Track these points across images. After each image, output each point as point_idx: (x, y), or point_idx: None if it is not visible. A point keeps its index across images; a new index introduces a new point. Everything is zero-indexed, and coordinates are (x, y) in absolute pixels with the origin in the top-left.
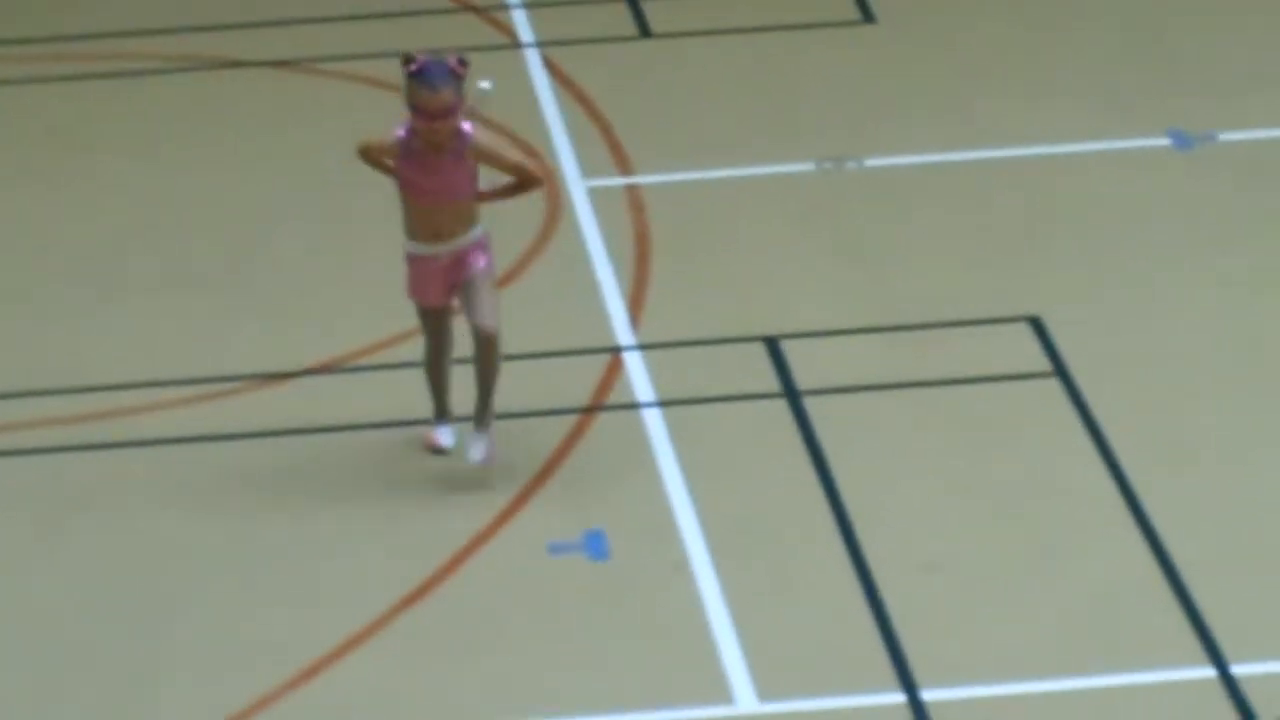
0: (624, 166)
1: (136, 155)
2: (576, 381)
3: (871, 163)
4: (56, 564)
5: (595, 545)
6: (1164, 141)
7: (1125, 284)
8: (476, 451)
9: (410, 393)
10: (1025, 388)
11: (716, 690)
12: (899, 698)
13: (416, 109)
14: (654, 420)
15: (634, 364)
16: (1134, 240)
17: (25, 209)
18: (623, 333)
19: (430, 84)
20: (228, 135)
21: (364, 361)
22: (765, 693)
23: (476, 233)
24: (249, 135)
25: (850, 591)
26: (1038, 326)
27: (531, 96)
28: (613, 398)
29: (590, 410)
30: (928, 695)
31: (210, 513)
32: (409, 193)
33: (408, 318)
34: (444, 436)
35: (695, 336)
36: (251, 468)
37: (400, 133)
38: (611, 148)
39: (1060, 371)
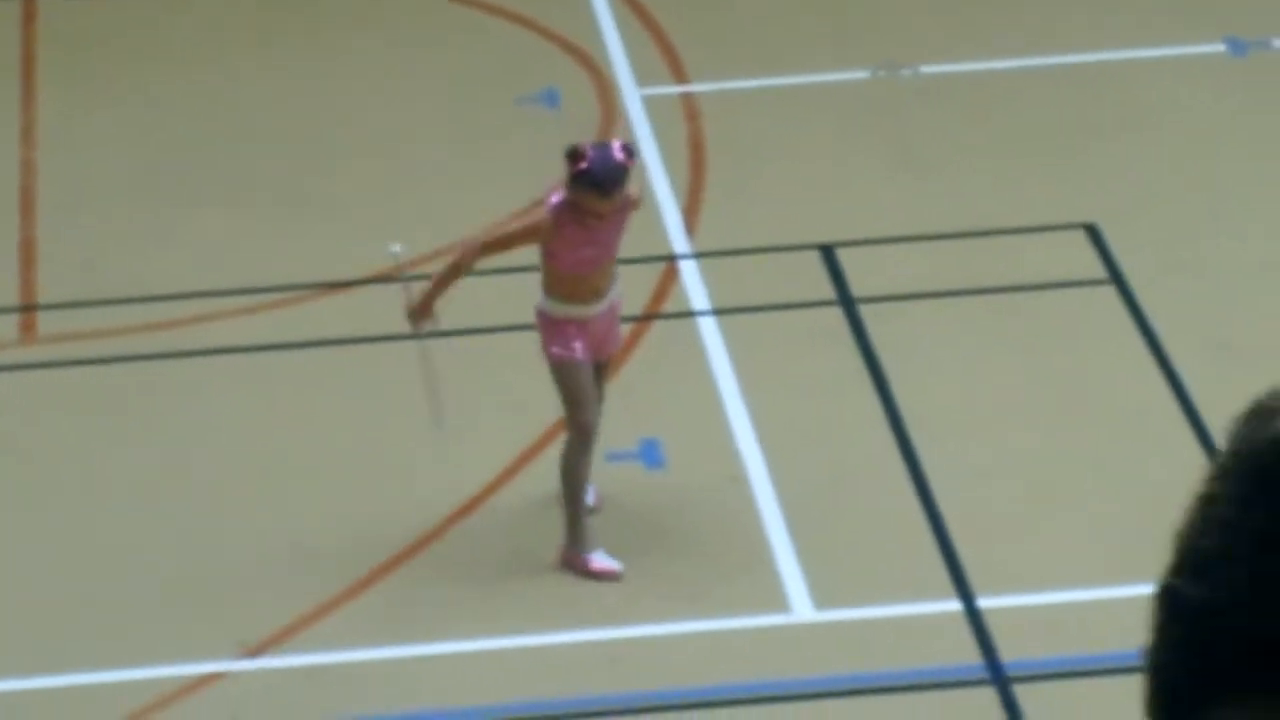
0: (679, 75)
1: (195, 67)
2: (632, 290)
3: (926, 70)
4: (113, 471)
5: (651, 454)
6: (1219, 48)
7: (1180, 191)
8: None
9: (470, 301)
10: (1081, 295)
11: (773, 599)
12: (955, 605)
13: (587, 210)
14: (709, 329)
15: (689, 272)
16: (1189, 147)
17: (84, 119)
18: (678, 241)
19: (605, 191)
20: (285, 45)
21: (425, 269)
22: (821, 601)
23: (617, 271)
24: (307, 46)
25: (906, 500)
26: (1094, 233)
27: (587, 5)
28: (668, 306)
29: (646, 319)
30: (984, 603)
31: (271, 420)
32: (571, 264)
33: (465, 227)
34: (608, 559)
35: (750, 245)
36: (313, 376)
37: (550, 209)
38: (666, 56)
39: (1116, 278)
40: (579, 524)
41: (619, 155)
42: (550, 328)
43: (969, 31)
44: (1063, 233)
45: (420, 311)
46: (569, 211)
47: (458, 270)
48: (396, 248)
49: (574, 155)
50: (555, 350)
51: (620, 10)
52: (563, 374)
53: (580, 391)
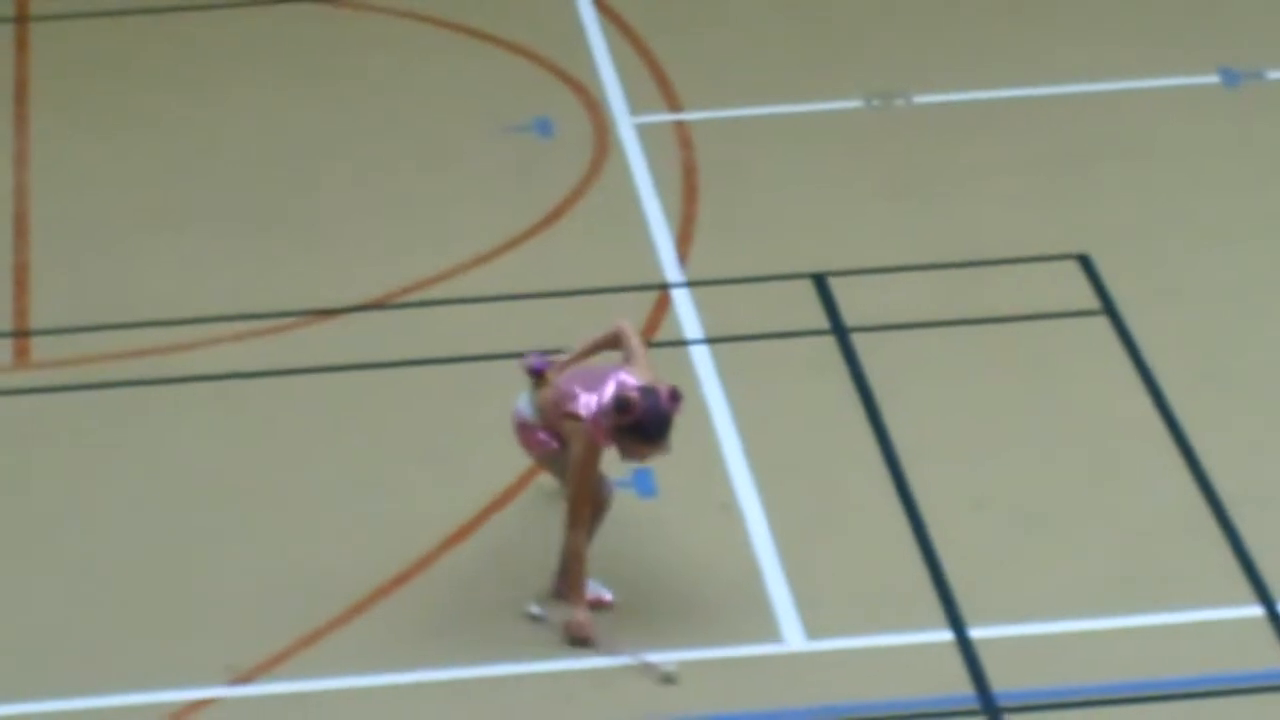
0: (672, 103)
1: (184, 90)
2: (624, 318)
3: (920, 99)
4: (104, 496)
5: (644, 482)
6: (1213, 79)
7: (1174, 221)
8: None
9: (460, 330)
10: (1073, 325)
11: (765, 628)
12: (947, 636)
13: (630, 453)
14: (702, 357)
15: (682, 301)
16: (1182, 178)
17: (74, 145)
18: (671, 269)
19: (654, 442)
20: (275, 70)
21: (414, 298)
22: (813, 631)
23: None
24: (296, 70)
25: (898, 529)
26: (1086, 264)
27: (580, 32)
28: (660, 335)
29: None
30: (976, 633)
31: (261, 448)
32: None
33: (457, 254)
34: (599, 588)
35: (743, 273)
36: (302, 403)
37: (596, 429)
38: (660, 84)
39: (1109, 309)
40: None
41: (667, 405)
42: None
43: (962, 61)
44: (1055, 262)
45: (581, 627)
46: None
47: (579, 561)
48: (535, 609)
49: (624, 407)
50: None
51: (614, 38)
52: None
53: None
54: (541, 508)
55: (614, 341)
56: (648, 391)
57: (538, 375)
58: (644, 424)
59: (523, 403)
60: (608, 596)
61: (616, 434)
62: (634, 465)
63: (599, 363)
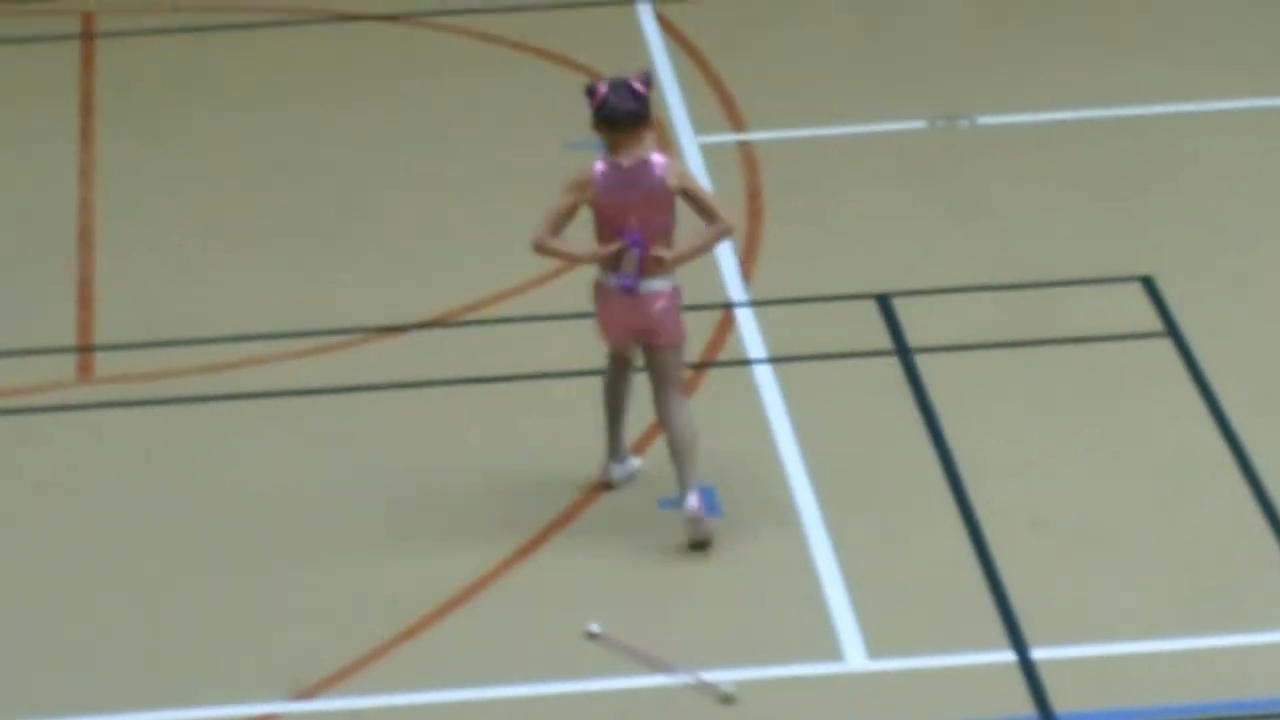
0: (736, 123)
1: (251, 108)
2: (689, 338)
3: (984, 120)
4: (172, 513)
5: (707, 501)
6: (1279, 101)
7: (1238, 244)
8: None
9: (521, 349)
10: (1137, 347)
11: (827, 648)
12: (1009, 656)
13: (611, 149)
14: (766, 377)
15: (746, 320)
16: (1247, 200)
17: (141, 161)
18: (735, 289)
19: (612, 122)
20: (341, 88)
21: (475, 316)
22: (875, 651)
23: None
24: (363, 89)
25: (961, 549)
26: (1150, 286)
27: (645, 52)
28: (725, 354)
29: (702, 366)
30: (1038, 654)
31: (322, 464)
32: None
33: (519, 273)
34: (620, 468)
35: (807, 293)
36: (364, 420)
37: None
38: (724, 104)
39: (1172, 331)
40: (608, 435)
41: (637, 86)
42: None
43: (1026, 83)
44: (1119, 285)
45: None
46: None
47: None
48: (595, 627)
49: (590, 92)
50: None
51: (678, 58)
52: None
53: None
54: (603, 525)
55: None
56: (615, 78)
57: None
58: (607, 103)
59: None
60: (619, 476)
61: (596, 130)
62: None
63: None
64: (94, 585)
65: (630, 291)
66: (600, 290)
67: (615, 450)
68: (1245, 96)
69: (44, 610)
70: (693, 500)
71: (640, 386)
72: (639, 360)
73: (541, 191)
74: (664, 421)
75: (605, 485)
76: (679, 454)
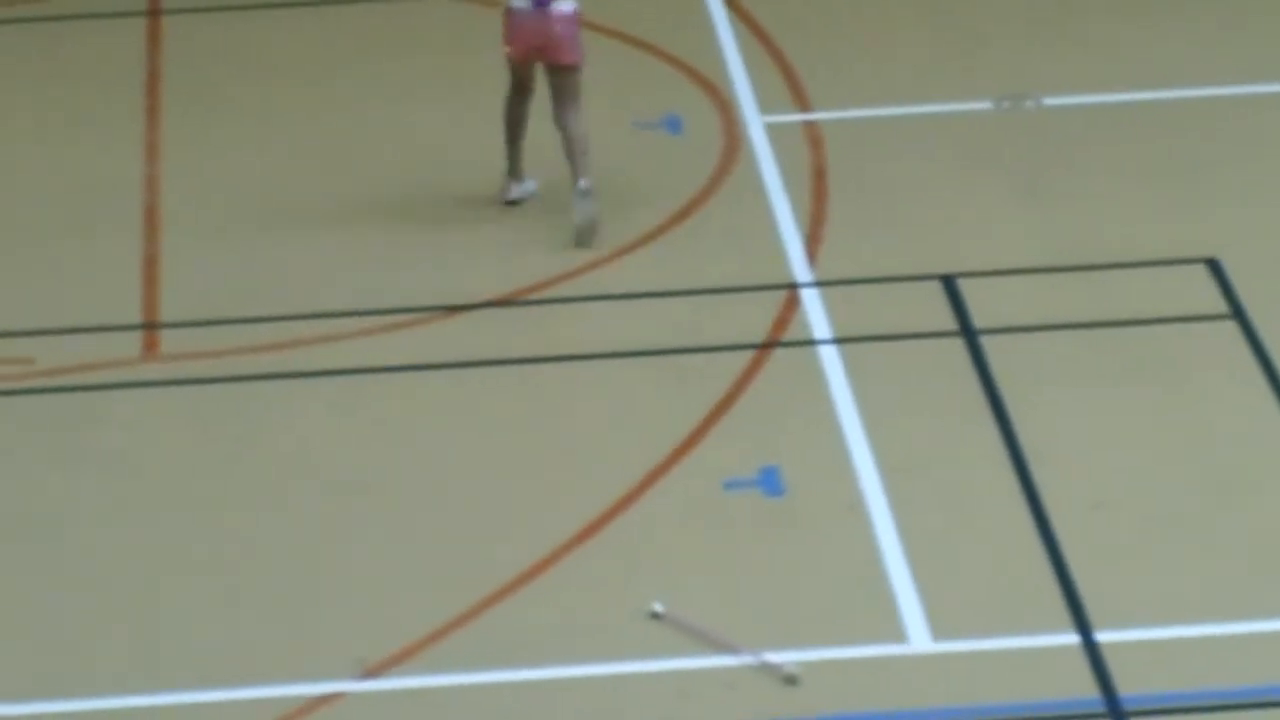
0: (802, 103)
1: (314, 85)
2: (753, 317)
3: (1050, 101)
4: (236, 490)
5: (770, 482)
6: None
7: None
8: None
9: (585, 328)
10: (1202, 329)
11: (890, 629)
12: (1073, 638)
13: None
14: (830, 357)
15: (811, 300)
16: None
17: (207, 138)
18: (800, 269)
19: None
20: (406, 66)
21: (540, 295)
22: (939, 632)
23: None
24: (427, 66)
25: (1025, 531)
26: (1215, 268)
27: (711, 32)
28: (789, 334)
29: (767, 346)
30: (1102, 636)
31: (387, 443)
32: None
33: (584, 252)
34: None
35: (872, 274)
36: (428, 399)
37: None
38: (790, 84)
39: (1237, 313)
40: (508, 156)
41: None
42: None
43: (1092, 63)
44: (1184, 266)
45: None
46: None
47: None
48: (658, 607)
49: None
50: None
51: (744, 37)
52: None
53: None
54: (667, 505)
55: None
56: None
57: None
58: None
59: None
60: (516, 196)
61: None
62: (760, 465)
63: None
64: (157, 563)
65: (541, 9)
66: (509, 13)
67: (514, 170)
68: None
69: (107, 588)
70: (583, 182)
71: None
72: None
73: (608, 168)
74: (562, 128)
75: (508, 203)
76: (574, 154)
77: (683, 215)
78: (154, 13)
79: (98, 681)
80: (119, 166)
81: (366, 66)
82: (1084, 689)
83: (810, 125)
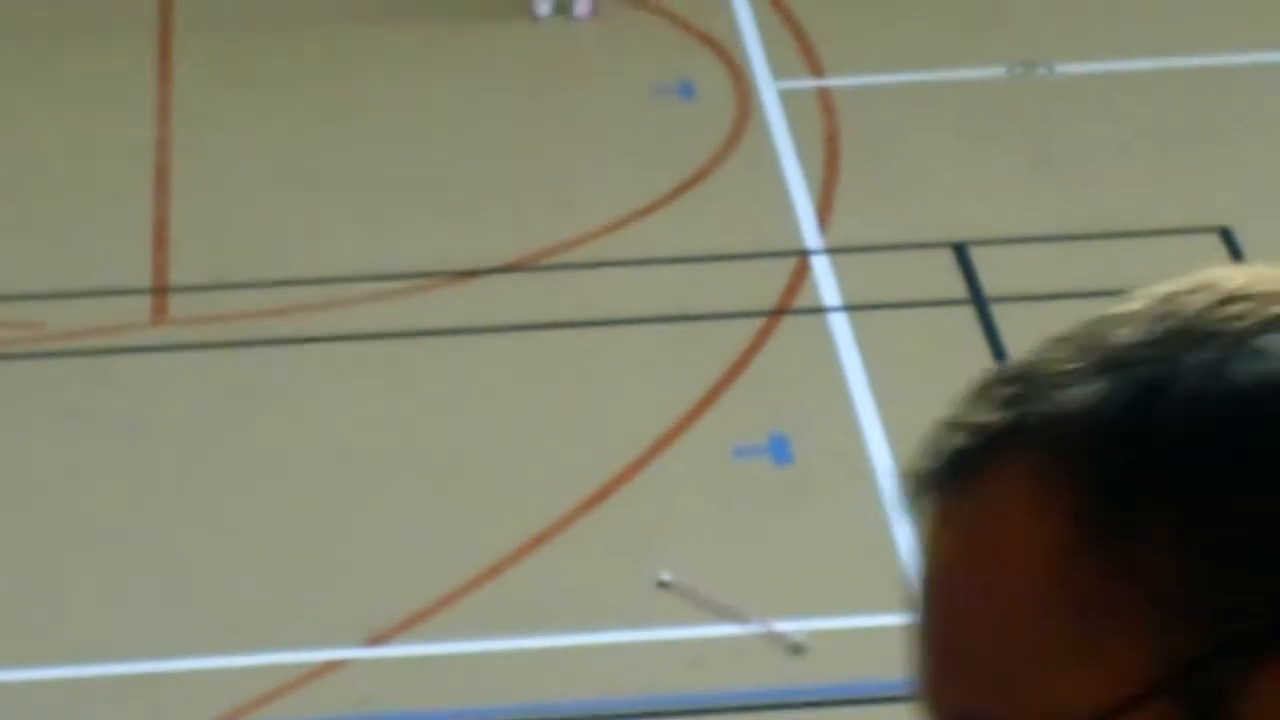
0: (815, 68)
1: (326, 49)
2: (763, 284)
3: (1063, 68)
4: (245, 455)
5: (780, 449)
6: None
7: None
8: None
9: (595, 295)
10: None
11: (897, 598)
12: None
13: None
14: (840, 325)
15: (821, 267)
16: None
17: (219, 102)
18: (810, 236)
19: None
20: (416, 31)
21: (550, 261)
22: None
23: None
24: (437, 32)
25: None
26: (1228, 237)
27: None
28: (799, 301)
29: (777, 313)
30: None
31: (396, 408)
32: None
33: (595, 217)
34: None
35: (883, 241)
36: (437, 364)
37: None
38: (803, 49)
39: None
40: None
41: None
42: None
43: (1105, 30)
44: (1196, 235)
45: None
46: None
47: None
48: (667, 576)
49: None
50: None
51: (757, 3)
52: None
53: None
54: (675, 473)
55: None
56: None
57: None
58: None
59: None
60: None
61: None
62: (769, 433)
63: None
64: (166, 528)
65: None
66: None
67: None
68: None
69: (118, 553)
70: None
71: None
72: None
73: (619, 133)
74: None
75: (533, 19)
76: None
77: (694, 181)
78: None
79: (107, 648)
80: (130, 129)
81: (376, 33)
82: None
83: (823, 91)
